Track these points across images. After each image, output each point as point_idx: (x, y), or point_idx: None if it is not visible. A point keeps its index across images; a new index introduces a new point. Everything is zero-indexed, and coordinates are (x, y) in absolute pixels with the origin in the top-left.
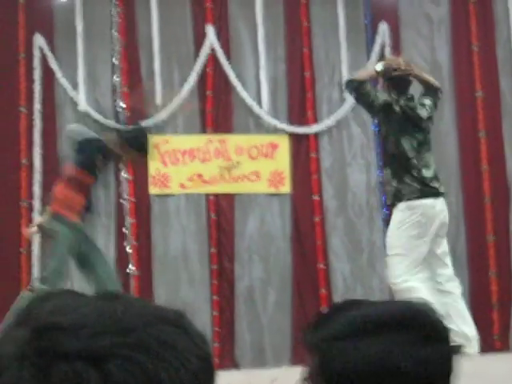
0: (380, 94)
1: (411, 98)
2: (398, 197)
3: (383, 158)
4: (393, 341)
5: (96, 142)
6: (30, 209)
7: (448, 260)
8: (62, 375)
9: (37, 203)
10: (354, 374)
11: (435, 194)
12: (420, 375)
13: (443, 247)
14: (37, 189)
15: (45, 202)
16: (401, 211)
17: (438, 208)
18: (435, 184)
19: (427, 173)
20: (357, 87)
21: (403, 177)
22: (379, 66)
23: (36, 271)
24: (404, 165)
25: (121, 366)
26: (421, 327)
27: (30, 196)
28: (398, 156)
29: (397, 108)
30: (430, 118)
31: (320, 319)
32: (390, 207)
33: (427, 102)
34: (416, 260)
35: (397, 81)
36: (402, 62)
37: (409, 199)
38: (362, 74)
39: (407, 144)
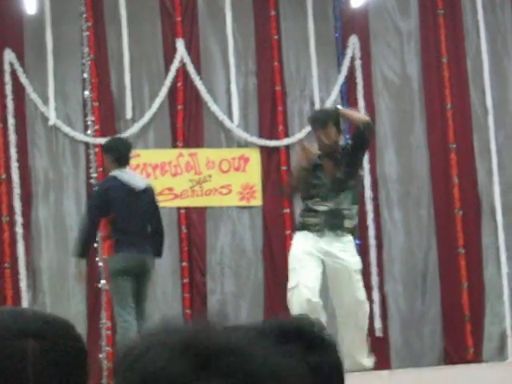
0: None
1: None
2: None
3: (356, 196)
4: (277, 352)
5: None
6: (12, 223)
7: None
8: None
9: (18, 218)
10: None
11: None
12: None
13: None
14: (17, 203)
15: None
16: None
17: None
18: None
19: None
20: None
21: None
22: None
23: (23, 286)
24: None
25: None
26: (302, 337)
27: (12, 211)
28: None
29: None
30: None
31: None
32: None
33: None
34: None
35: None
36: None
37: None
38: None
39: None
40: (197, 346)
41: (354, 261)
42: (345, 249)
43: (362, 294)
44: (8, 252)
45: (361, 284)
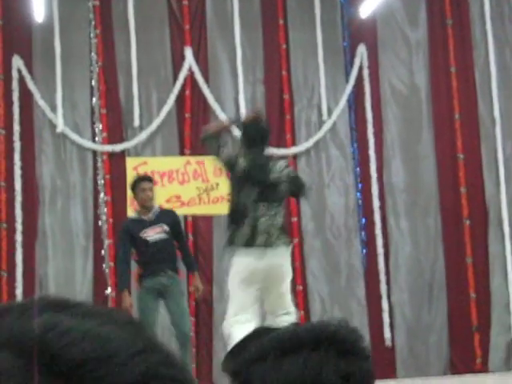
0: None
1: None
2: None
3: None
4: (310, 358)
5: None
6: (12, 231)
7: None
8: None
9: (18, 225)
10: None
11: None
12: None
13: None
14: (18, 211)
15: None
16: None
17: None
18: None
19: None
20: None
21: None
22: None
23: (19, 293)
24: None
25: None
26: (337, 344)
27: (12, 218)
28: None
29: None
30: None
31: (236, 346)
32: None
33: None
34: None
35: None
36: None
37: None
38: None
39: None
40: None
41: None
42: None
43: None
44: (6, 259)
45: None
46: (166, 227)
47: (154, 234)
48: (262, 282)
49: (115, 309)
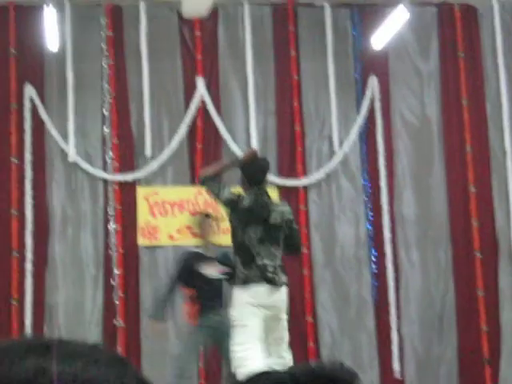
0: None
1: None
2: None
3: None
4: None
5: None
6: (22, 259)
7: None
8: None
9: (29, 254)
10: None
11: None
12: None
13: None
14: (29, 240)
15: None
16: None
17: None
18: None
19: None
20: None
21: None
22: None
23: (28, 321)
24: None
25: None
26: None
27: (22, 246)
28: None
29: None
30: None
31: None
32: None
33: None
34: None
35: None
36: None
37: None
38: None
39: None
40: None
41: None
42: None
43: None
44: (16, 287)
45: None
46: None
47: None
48: (267, 311)
49: (100, 345)
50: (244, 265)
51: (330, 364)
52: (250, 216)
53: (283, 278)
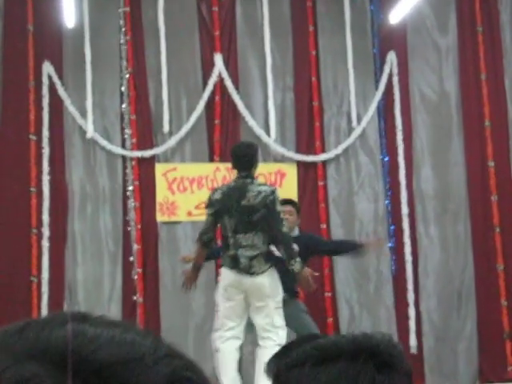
0: None
1: None
2: None
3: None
4: (346, 368)
5: None
6: (41, 237)
7: None
8: None
9: (46, 231)
10: None
11: None
12: None
13: None
14: (46, 216)
15: None
16: None
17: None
18: None
19: None
20: None
21: None
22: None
23: (45, 299)
24: None
25: None
26: (377, 357)
27: (40, 224)
28: None
29: None
30: None
31: (281, 350)
32: None
33: None
34: None
35: None
36: None
37: None
38: None
39: None
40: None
41: None
42: None
43: None
44: (36, 265)
45: None
46: None
47: None
48: (244, 293)
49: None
50: (222, 254)
51: (377, 336)
52: (221, 206)
53: (263, 268)
